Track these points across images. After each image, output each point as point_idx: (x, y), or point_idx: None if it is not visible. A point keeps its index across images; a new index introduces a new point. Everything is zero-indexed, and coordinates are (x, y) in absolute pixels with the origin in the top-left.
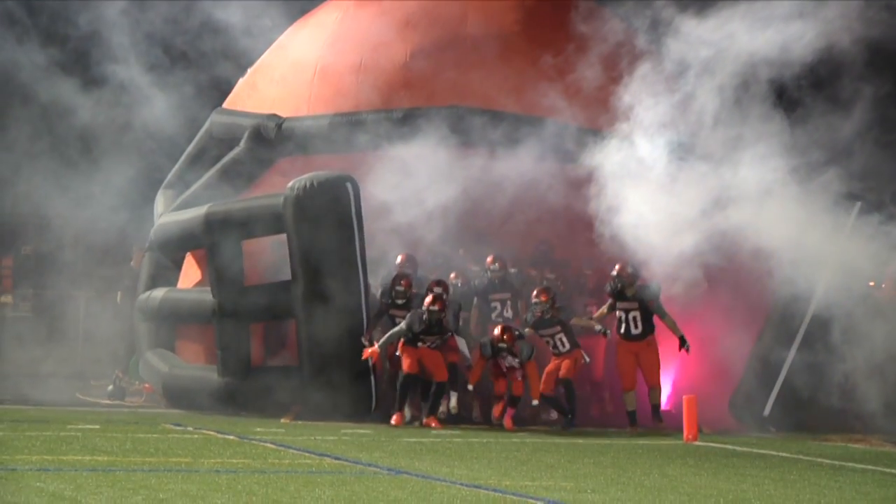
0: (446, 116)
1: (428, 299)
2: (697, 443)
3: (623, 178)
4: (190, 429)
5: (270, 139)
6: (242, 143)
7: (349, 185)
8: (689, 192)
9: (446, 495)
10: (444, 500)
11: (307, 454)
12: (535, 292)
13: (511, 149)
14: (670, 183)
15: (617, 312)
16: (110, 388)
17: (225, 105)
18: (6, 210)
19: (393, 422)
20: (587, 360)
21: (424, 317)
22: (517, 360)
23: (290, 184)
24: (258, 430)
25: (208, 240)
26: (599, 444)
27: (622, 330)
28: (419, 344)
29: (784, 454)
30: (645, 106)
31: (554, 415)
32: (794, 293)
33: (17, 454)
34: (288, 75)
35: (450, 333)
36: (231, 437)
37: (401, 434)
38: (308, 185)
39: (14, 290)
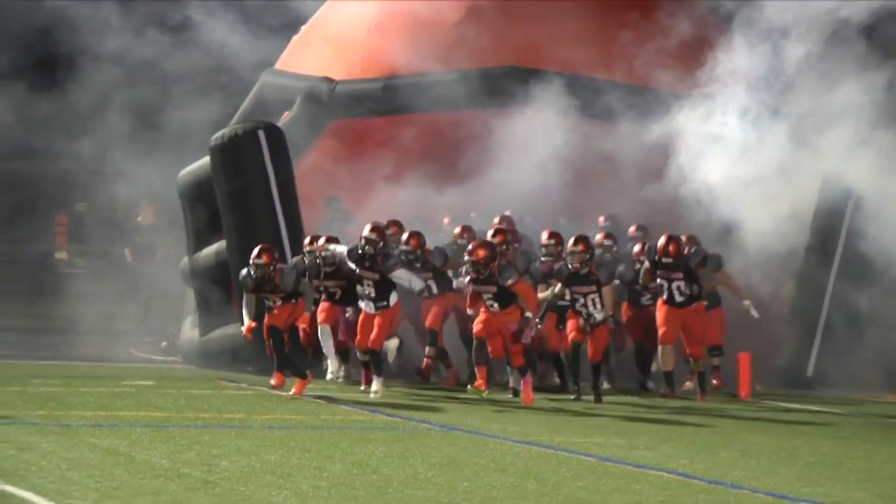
0: (498, 77)
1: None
2: (751, 400)
3: (715, 141)
4: (244, 385)
5: (323, 102)
6: (296, 107)
7: (261, 133)
8: (780, 153)
9: (498, 451)
10: (496, 456)
11: (359, 410)
12: (571, 241)
13: (566, 108)
14: (760, 143)
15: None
16: (164, 344)
17: (278, 63)
18: (61, 167)
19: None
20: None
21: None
22: (492, 286)
23: (214, 135)
24: (310, 386)
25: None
26: (651, 401)
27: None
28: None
29: (837, 411)
30: (737, 67)
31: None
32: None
33: (71, 410)
34: (341, 34)
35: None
36: (284, 394)
37: (453, 392)
38: (230, 134)
39: (68, 245)
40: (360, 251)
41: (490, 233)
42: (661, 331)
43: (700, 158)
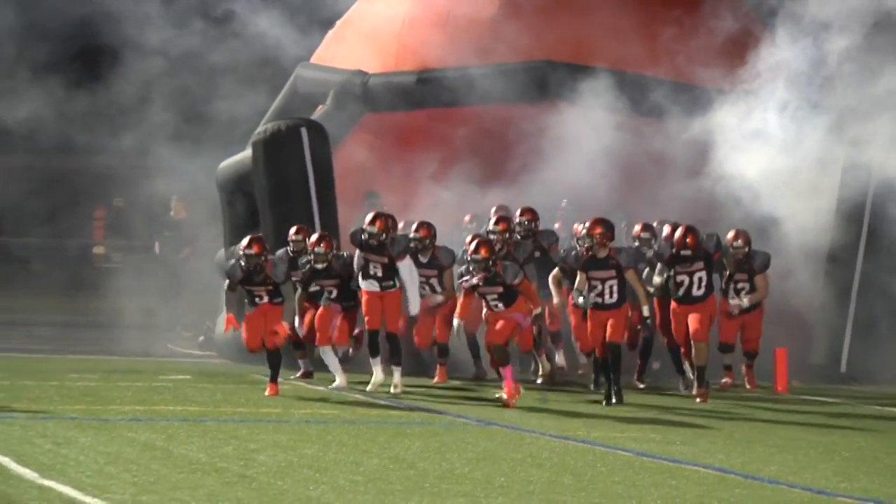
0: (534, 71)
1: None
2: (787, 395)
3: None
4: (280, 380)
5: (357, 96)
6: (329, 101)
7: (304, 130)
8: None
9: (535, 446)
10: (533, 451)
11: (396, 406)
12: (588, 224)
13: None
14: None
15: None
16: (201, 338)
17: (314, 58)
18: (102, 162)
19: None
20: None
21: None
22: (499, 286)
23: (257, 129)
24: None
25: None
26: (686, 397)
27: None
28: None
29: (876, 407)
30: (780, 62)
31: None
32: None
33: (109, 405)
34: (375, 28)
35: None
36: (321, 388)
37: (488, 387)
38: (272, 129)
39: (106, 240)
40: (362, 237)
41: (492, 220)
42: (692, 328)
43: (742, 154)
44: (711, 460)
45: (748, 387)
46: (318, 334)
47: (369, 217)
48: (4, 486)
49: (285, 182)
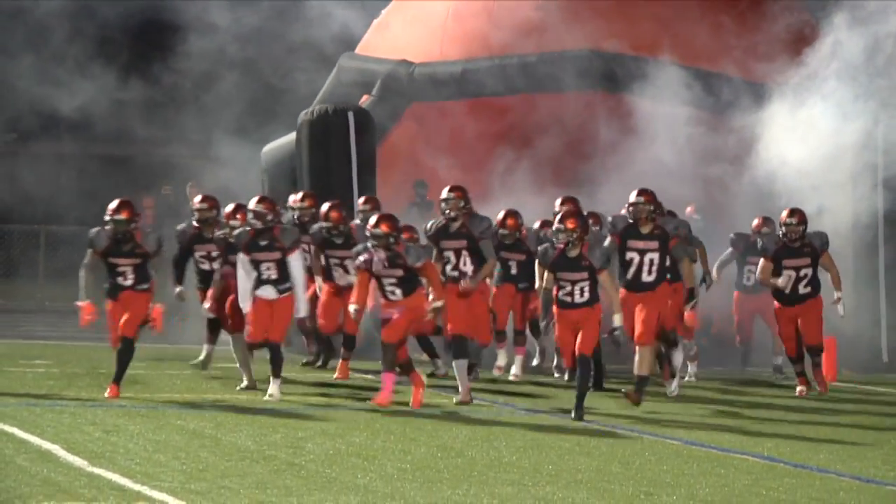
0: (580, 60)
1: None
2: (836, 383)
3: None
4: (330, 367)
5: (403, 86)
6: (375, 91)
7: (351, 115)
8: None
9: (583, 434)
10: (581, 439)
11: (444, 394)
12: (559, 215)
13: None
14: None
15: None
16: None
17: (359, 46)
18: (148, 150)
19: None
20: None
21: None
22: (398, 268)
23: (304, 111)
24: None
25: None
26: (735, 386)
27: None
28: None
29: None
30: (838, 56)
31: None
32: None
33: (158, 392)
34: (421, 16)
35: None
36: (369, 377)
37: (534, 375)
38: (319, 111)
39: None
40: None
41: (446, 189)
42: (637, 330)
43: (798, 148)
44: (760, 449)
45: (819, 389)
46: (230, 320)
47: (325, 207)
48: (54, 473)
49: (328, 164)
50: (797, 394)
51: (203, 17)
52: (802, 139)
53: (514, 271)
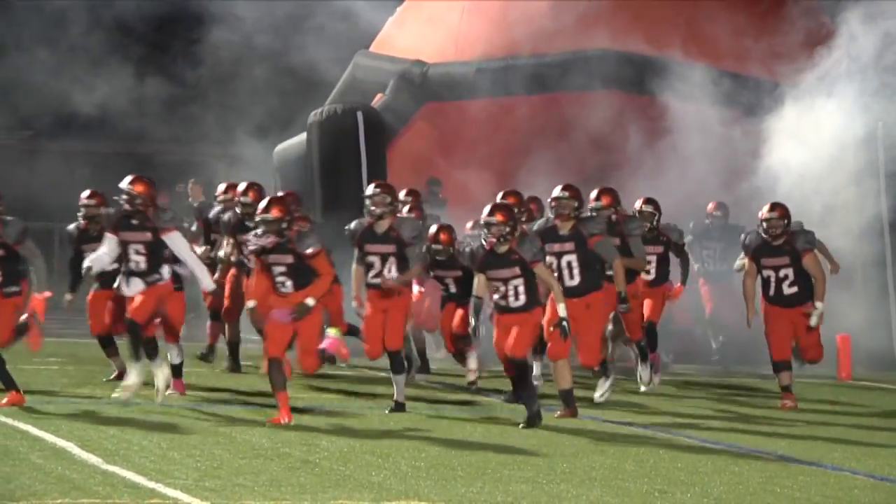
0: (593, 61)
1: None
2: (850, 381)
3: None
4: (342, 365)
5: (417, 85)
6: (389, 90)
7: (360, 115)
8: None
9: (597, 432)
10: (595, 437)
11: (458, 392)
12: (487, 208)
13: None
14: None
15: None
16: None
17: (374, 45)
18: (163, 148)
19: None
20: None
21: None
22: (288, 254)
23: (314, 111)
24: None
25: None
26: (750, 385)
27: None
28: None
29: None
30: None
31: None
32: None
33: (171, 390)
34: (435, 16)
35: None
36: (382, 374)
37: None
38: (329, 111)
39: None
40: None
41: (372, 186)
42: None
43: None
44: (774, 447)
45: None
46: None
47: (241, 187)
48: (68, 471)
49: (338, 163)
50: (780, 406)
51: (226, 10)
52: (811, 139)
53: (452, 289)
